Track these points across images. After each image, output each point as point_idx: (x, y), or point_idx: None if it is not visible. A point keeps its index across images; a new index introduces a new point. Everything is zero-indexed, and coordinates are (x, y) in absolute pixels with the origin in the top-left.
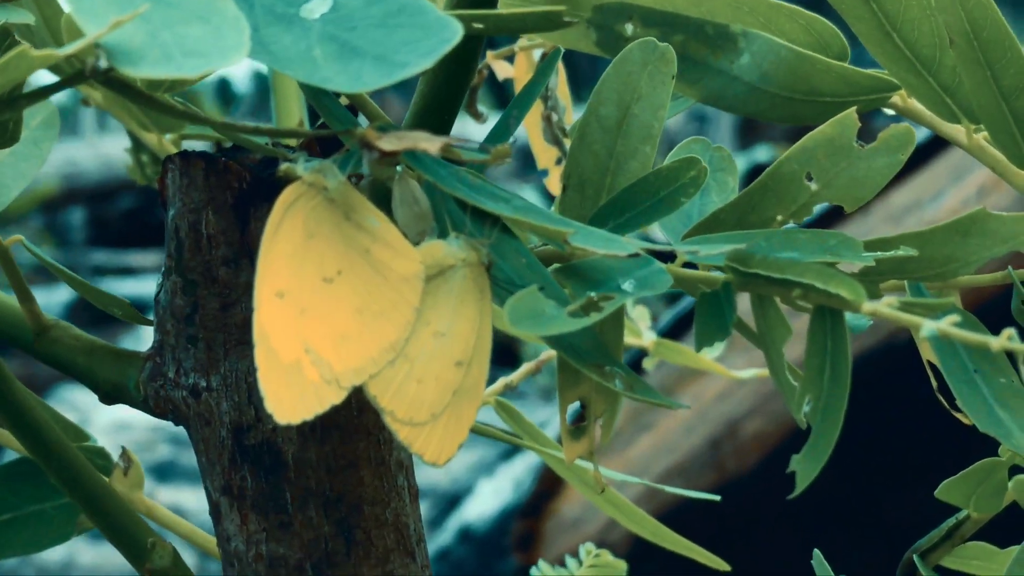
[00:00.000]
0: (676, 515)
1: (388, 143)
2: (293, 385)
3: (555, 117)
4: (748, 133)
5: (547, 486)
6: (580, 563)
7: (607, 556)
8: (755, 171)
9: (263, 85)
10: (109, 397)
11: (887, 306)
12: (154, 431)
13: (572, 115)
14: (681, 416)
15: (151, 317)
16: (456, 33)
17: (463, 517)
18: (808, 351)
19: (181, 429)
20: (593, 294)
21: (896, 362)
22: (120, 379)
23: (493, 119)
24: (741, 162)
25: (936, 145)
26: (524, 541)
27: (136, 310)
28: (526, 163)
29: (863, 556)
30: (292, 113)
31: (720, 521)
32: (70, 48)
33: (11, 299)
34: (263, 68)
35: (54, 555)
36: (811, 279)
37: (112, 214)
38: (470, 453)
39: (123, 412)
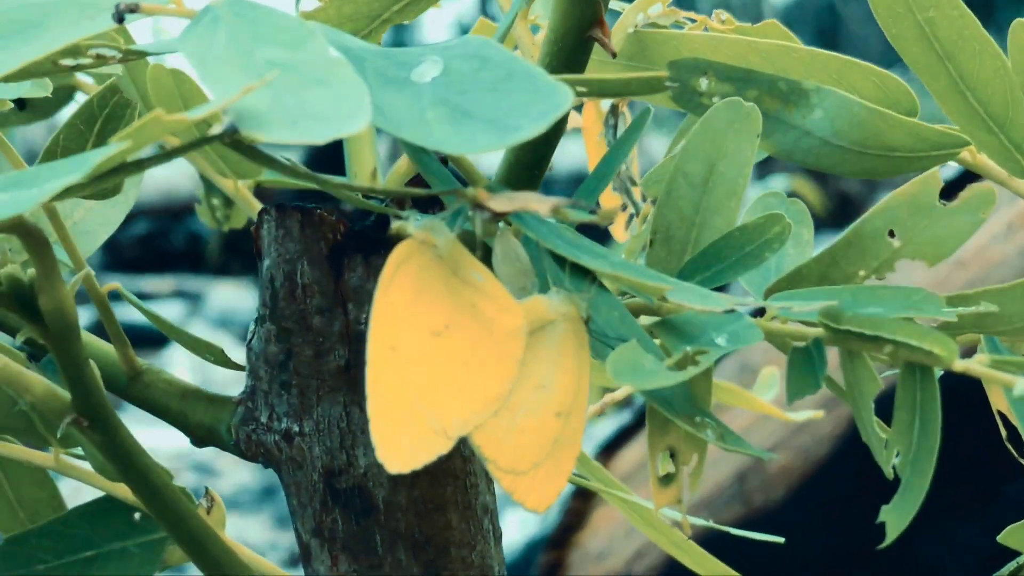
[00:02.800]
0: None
1: (499, 204)
2: (404, 435)
3: (623, 167)
4: (764, 162)
5: (573, 518)
6: None
7: None
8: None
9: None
10: (201, 440)
11: (979, 363)
12: (178, 458)
13: (638, 164)
14: (708, 449)
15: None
16: (568, 99)
17: None
18: (898, 405)
19: (206, 456)
20: (689, 348)
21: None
22: (213, 423)
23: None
24: (756, 191)
25: (966, 180)
26: (550, 572)
27: (228, 358)
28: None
29: None
30: (365, 160)
31: (746, 555)
32: (201, 113)
33: (106, 345)
34: None
35: None
36: (903, 336)
37: (127, 239)
38: (496, 485)
39: (146, 439)
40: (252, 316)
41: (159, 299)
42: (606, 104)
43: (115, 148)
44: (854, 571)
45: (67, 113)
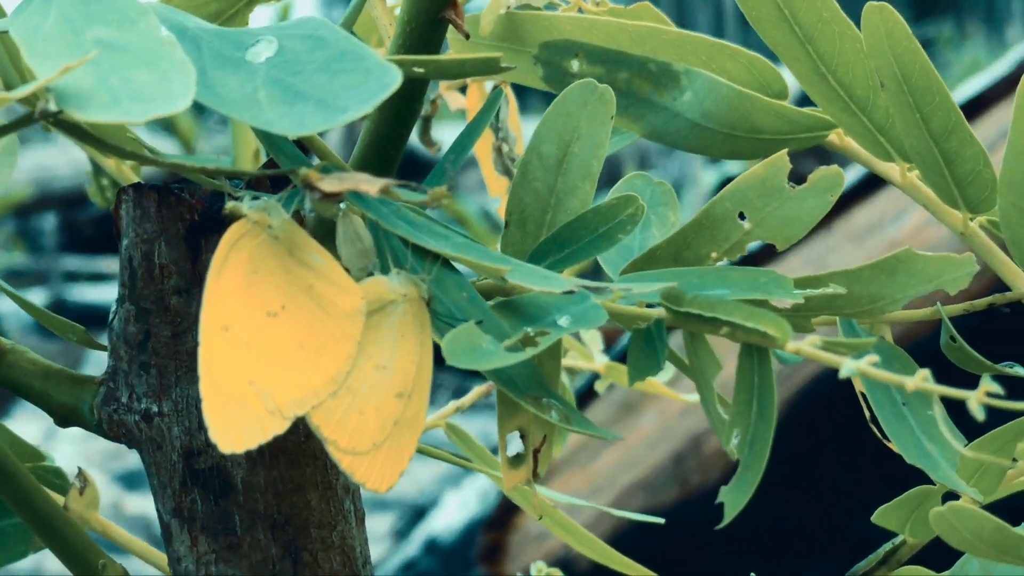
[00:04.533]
0: (639, 529)
1: (329, 184)
2: (237, 416)
3: (506, 148)
4: (711, 159)
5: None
6: None
7: (557, 574)
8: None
9: None
10: (64, 420)
11: (810, 345)
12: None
13: (523, 146)
14: (645, 431)
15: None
16: (395, 79)
17: (429, 529)
18: (736, 387)
19: None
20: (529, 329)
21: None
22: (75, 403)
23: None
24: (713, 175)
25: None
26: (490, 553)
27: (90, 336)
28: None
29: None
30: (249, 141)
31: (682, 536)
32: (21, 92)
33: None
34: None
35: (21, 566)
36: (739, 317)
37: (84, 220)
38: (436, 465)
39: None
40: None
41: (116, 279)
42: (489, 86)
43: None
44: (789, 548)
45: None
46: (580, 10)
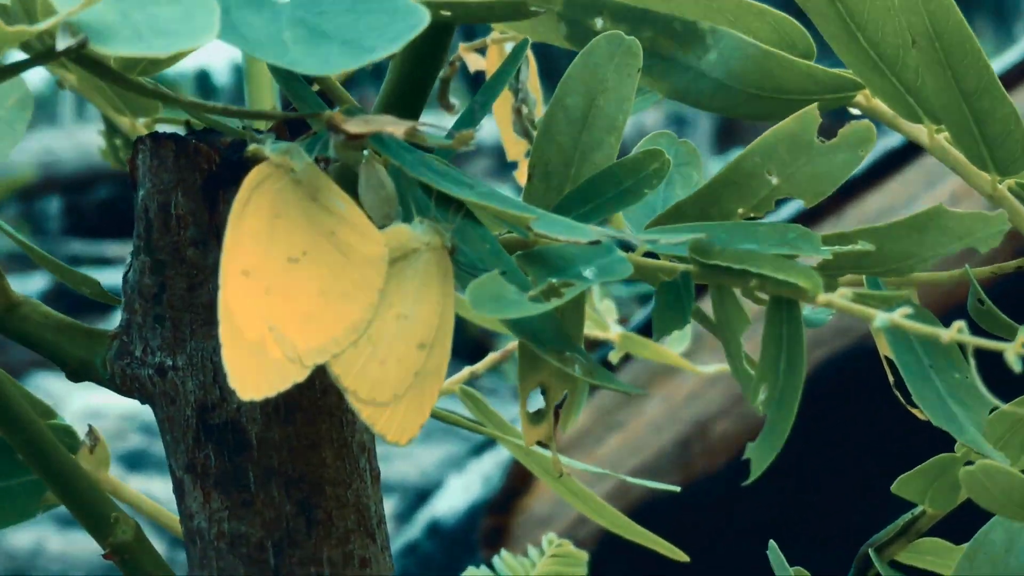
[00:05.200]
0: (642, 514)
1: (354, 126)
2: (257, 362)
3: (525, 110)
4: (726, 137)
5: (517, 482)
6: (543, 553)
7: (569, 546)
8: None
9: (242, 77)
10: (76, 374)
11: (841, 297)
12: (125, 420)
13: (542, 109)
14: (651, 416)
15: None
16: (423, 19)
17: (432, 512)
18: (764, 341)
19: (152, 418)
20: (554, 280)
21: (861, 367)
22: (88, 356)
23: None
24: (718, 165)
25: (910, 151)
26: (493, 537)
27: (105, 291)
28: (503, 162)
29: (826, 558)
30: (264, 102)
31: (686, 522)
32: (43, 25)
33: None
34: (242, 61)
35: (22, 541)
36: (768, 270)
37: (89, 203)
38: (439, 448)
39: (95, 400)
40: None
41: (121, 264)
42: (509, 47)
43: None
44: (793, 538)
45: None
46: None
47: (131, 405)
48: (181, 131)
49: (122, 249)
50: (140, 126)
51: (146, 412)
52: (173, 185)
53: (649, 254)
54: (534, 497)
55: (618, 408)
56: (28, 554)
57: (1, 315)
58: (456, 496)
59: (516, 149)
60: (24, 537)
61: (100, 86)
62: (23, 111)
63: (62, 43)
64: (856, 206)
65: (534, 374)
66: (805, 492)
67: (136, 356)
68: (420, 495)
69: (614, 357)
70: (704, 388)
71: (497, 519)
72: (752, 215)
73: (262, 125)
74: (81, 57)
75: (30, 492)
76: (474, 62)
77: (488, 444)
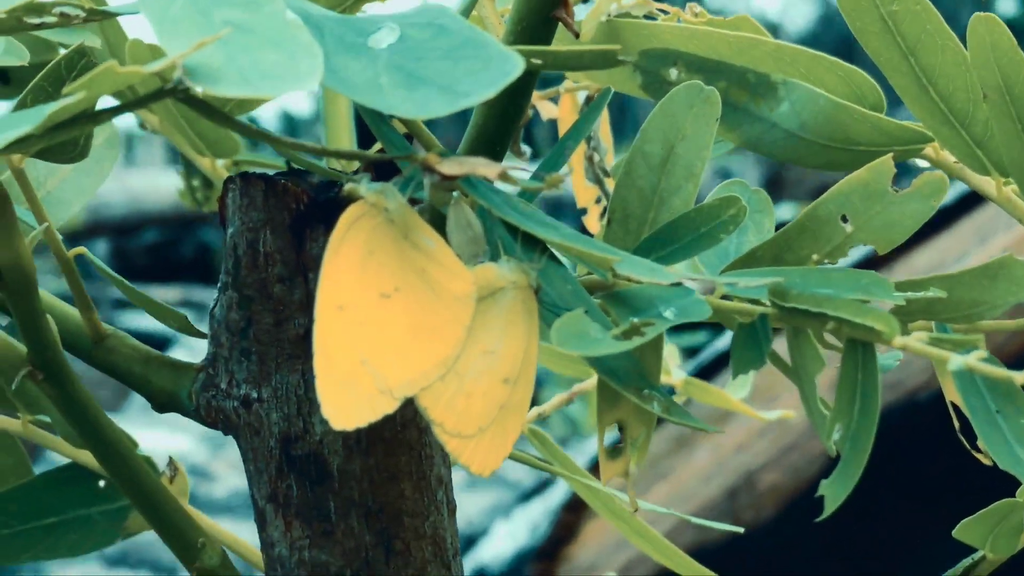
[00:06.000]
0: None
1: (449, 167)
2: (349, 394)
3: (597, 157)
4: (773, 191)
5: (563, 531)
6: None
7: None
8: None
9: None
10: (162, 406)
11: (917, 341)
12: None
13: (612, 157)
14: (699, 466)
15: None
16: (518, 67)
17: (478, 558)
18: (840, 382)
19: (202, 460)
20: (636, 320)
21: (910, 421)
22: (174, 388)
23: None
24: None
25: (962, 207)
26: None
27: (191, 325)
28: (556, 210)
29: None
30: (342, 143)
31: (732, 572)
32: (155, 66)
33: (72, 309)
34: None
35: None
36: (846, 313)
37: (136, 248)
38: (487, 495)
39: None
40: None
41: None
42: (582, 96)
43: (69, 99)
44: None
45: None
46: (679, 20)
47: (181, 445)
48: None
49: (168, 294)
50: (220, 168)
51: (195, 454)
52: (262, 223)
53: (726, 296)
54: (580, 545)
55: (666, 457)
56: None
57: (90, 347)
58: (502, 543)
59: (586, 196)
60: (72, 573)
61: (183, 128)
62: (111, 150)
63: (172, 84)
64: (905, 262)
65: (613, 411)
66: (851, 545)
67: (222, 388)
68: (467, 542)
69: (678, 400)
70: (752, 439)
71: (543, 566)
72: (826, 262)
73: (337, 165)
74: (189, 98)
75: (110, 520)
76: (547, 111)
77: (535, 492)
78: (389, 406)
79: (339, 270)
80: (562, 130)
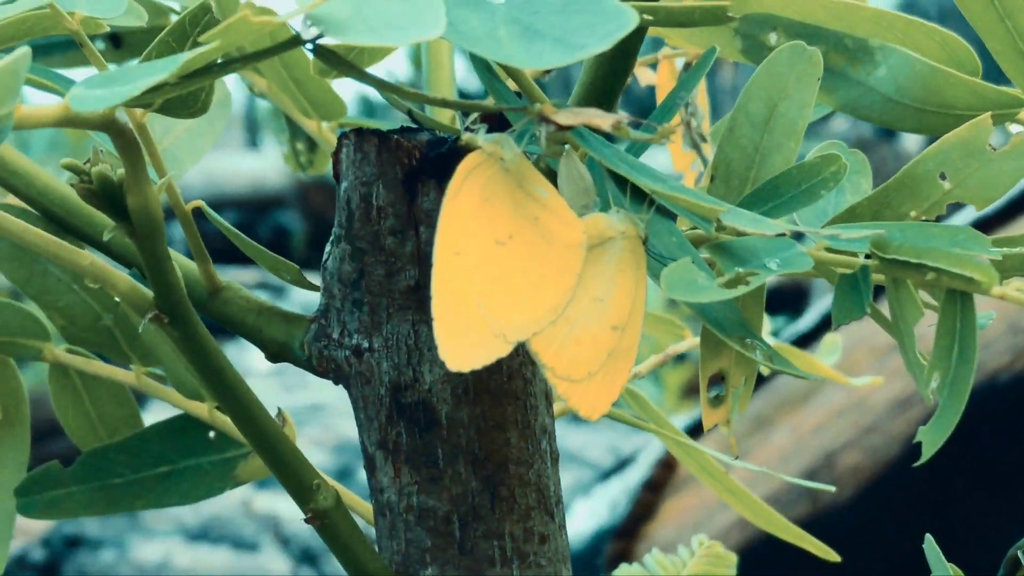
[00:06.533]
0: (769, 542)
1: (564, 117)
2: (465, 336)
3: (694, 123)
4: None
5: (643, 509)
6: (692, 553)
7: (719, 547)
8: None
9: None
10: (275, 356)
11: (1016, 289)
12: None
13: (708, 123)
14: (778, 446)
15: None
16: (632, 20)
17: None
18: (938, 332)
19: None
20: (740, 269)
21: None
22: (286, 339)
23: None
24: None
25: None
26: (617, 562)
27: (304, 277)
28: None
29: None
30: (443, 91)
31: (810, 554)
32: (285, 16)
33: (188, 260)
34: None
35: (151, 555)
36: (945, 263)
37: (213, 230)
38: (567, 474)
39: None
40: None
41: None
42: (680, 63)
43: (204, 48)
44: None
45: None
46: None
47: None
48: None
49: (245, 275)
50: (326, 129)
51: None
52: (375, 177)
53: (827, 250)
54: (660, 524)
55: (745, 437)
56: (155, 567)
57: (205, 298)
58: (582, 521)
59: (683, 161)
60: (153, 550)
61: (291, 90)
62: (224, 109)
63: (305, 33)
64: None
65: (716, 360)
66: (928, 528)
67: (333, 338)
68: None
69: (764, 370)
70: (832, 419)
71: (622, 544)
72: (924, 218)
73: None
74: (317, 48)
75: (220, 469)
76: (646, 77)
77: (614, 471)
78: (502, 349)
79: (456, 217)
80: (660, 96)
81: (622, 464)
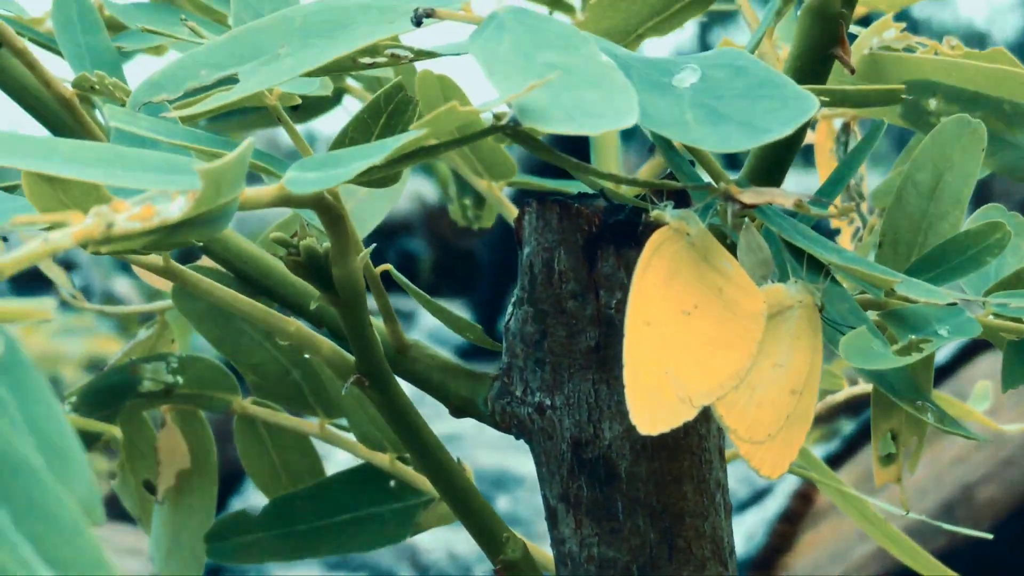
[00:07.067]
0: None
1: (748, 197)
2: (654, 401)
3: (853, 183)
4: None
5: (780, 541)
6: None
7: None
8: None
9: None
10: (459, 411)
11: None
12: None
13: (867, 182)
14: (916, 479)
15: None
16: (813, 106)
17: None
18: None
19: None
20: (913, 336)
21: None
22: (470, 395)
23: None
24: None
25: None
26: None
27: (486, 336)
28: None
29: None
30: (611, 168)
31: None
32: (489, 105)
33: (377, 321)
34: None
35: None
36: None
37: None
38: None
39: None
40: (461, 339)
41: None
42: (838, 123)
43: (413, 134)
44: None
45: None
46: (936, 53)
47: None
48: (545, 195)
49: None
50: (496, 188)
51: None
52: (556, 244)
53: (994, 316)
54: (796, 555)
55: None
56: None
57: (394, 356)
58: None
59: (838, 217)
60: None
61: (464, 151)
62: (400, 183)
63: (504, 121)
64: None
65: (887, 421)
66: None
67: (516, 396)
68: None
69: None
70: (970, 452)
71: (760, 575)
72: None
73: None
74: (516, 133)
75: (400, 518)
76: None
77: (751, 502)
78: (689, 413)
79: (646, 289)
80: (819, 154)
81: (759, 495)
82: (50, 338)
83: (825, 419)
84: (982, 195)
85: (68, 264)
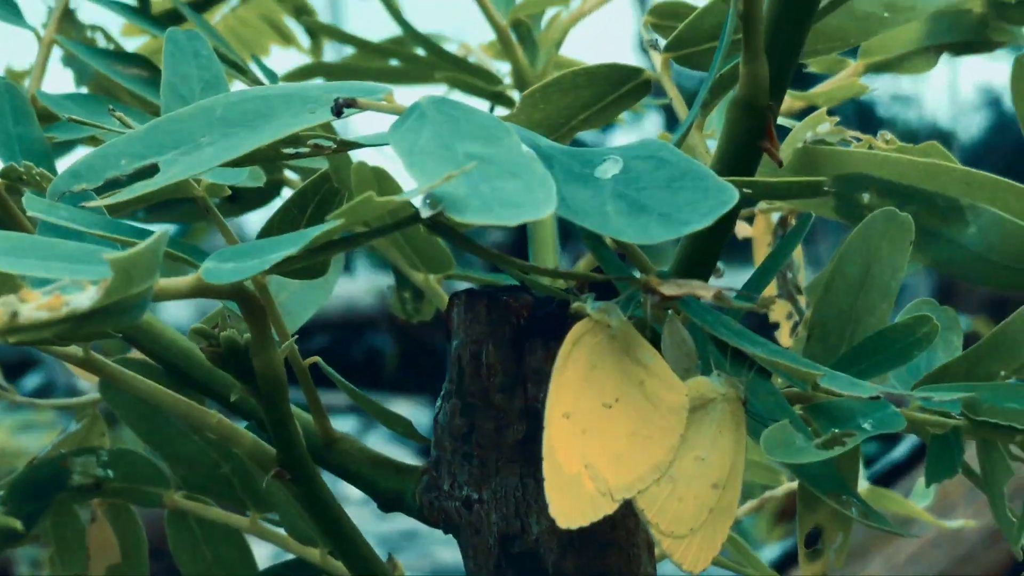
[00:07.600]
0: None
1: (669, 288)
2: (574, 495)
3: (790, 275)
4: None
5: None
6: None
7: None
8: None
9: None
10: (387, 505)
11: None
12: None
13: (804, 275)
14: (910, 549)
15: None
16: (733, 198)
17: None
18: None
19: None
20: (836, 430)
21: None
22: (399, 489)
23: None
24: None
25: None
26: None
27: (415, 430)
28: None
29: None
30: (548, 258)
31: None
32: (407, 196)
33: (304, 414)
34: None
35: None
36: None
37: (306, 351)
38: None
39: None
40: (427, 431)
41: (336, 412)
42: (776, 217)
43: (330, 225)
44: None
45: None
46: (871, 147)
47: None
48: (473, 286)
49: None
50: (433, 281)
51: None
52: (485, 336)
53: (920, 410)
54: None
55: (840, 568)
56: None
57: (322, 450)
58: None
59: (778, 311)
60: None
61: (401, 245)
62: (337, 264)
63: (425, 212)
64: None
65: (813, 515)
66: None
67: (444, 490)
68: None
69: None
70: (926, 550)
71: None
72: (1014, 378)
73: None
74: (435, 224)
75: None
76: (742, 230)
77: None
78: (609, 508)
79: (566, 382)
80: (756, 248)
81: None
82: (10, 435)
83: (789, 515)
84: (946, 295)
85: (31, 361)
